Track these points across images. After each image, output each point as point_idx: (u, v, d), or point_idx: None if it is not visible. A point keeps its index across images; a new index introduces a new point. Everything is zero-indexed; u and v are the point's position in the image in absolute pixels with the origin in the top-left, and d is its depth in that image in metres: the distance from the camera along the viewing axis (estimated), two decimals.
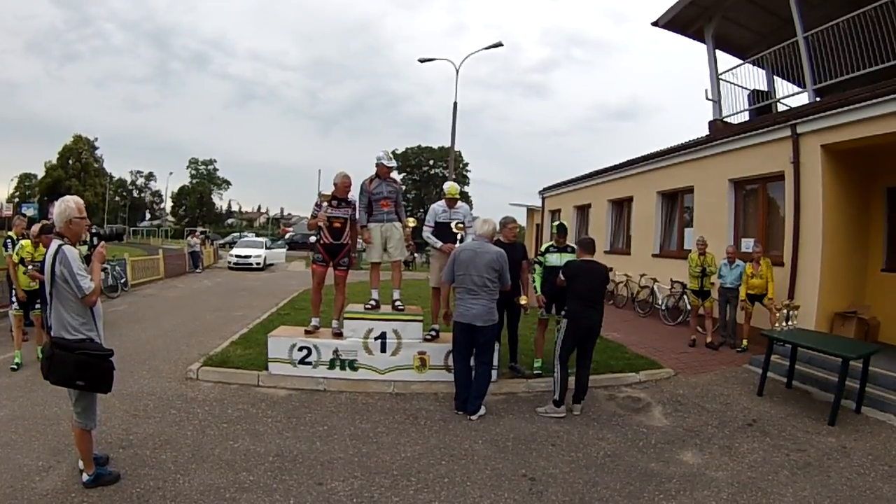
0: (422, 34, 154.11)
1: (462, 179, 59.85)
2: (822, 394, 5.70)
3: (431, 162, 63.42)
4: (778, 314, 6.37)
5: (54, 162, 55.47)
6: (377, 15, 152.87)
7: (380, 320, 5.67)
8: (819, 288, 7.21)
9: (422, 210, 46.26)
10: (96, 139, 59.17)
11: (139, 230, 58.17)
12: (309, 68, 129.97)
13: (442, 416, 4.87)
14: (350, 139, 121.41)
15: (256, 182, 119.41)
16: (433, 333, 5.89)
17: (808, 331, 6.67)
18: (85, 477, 3.30)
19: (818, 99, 8.56)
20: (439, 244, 5.75)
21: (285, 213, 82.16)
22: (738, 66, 10.71)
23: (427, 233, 5.90)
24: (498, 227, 5.50)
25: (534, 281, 6.08)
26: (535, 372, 6.01)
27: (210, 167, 70.44)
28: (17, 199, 52.04)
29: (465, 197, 53.38)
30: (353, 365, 5.65)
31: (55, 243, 3.15)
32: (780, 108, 10.12)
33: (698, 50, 11.24)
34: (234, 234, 49.23)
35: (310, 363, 5.64)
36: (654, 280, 10.83)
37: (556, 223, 6.28)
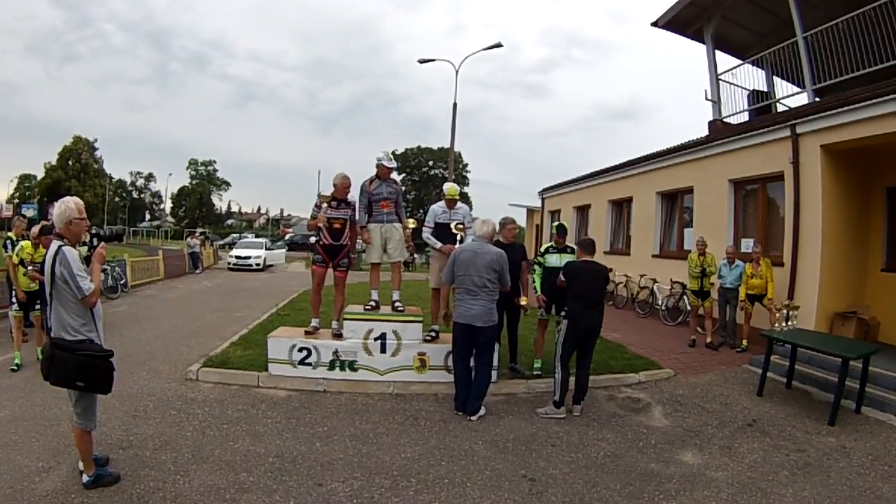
0: (421, 34, 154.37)
1: (462, 180, 59.86)
2: (822, 394, 5.70)
3: (431, 162, 63.42)
4: (778, 314, 6.37)
5: (54, 163, 55.54)
6: (377, 15, 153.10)
7: (380, 321, 5.67)
8: (819, 288, 7.22)
9: (421, 211, 46.26)
10: (96, 140, 59.32)
11: (139, 231, 58.14)
12: (308, 69, 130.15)
13: (442, 417, 4.87)
14: (350, 140, 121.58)
15: (256, 183, 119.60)
16: (433, 334, 5.89)
17: (808, 331, 6.67)
18: (85, 478, 3.29)
19: (818, 99, 8.57)
20: (439, 245, 5.75)
21: (285, 214, 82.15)
22: (737, 67, 10.72)
23: (427, 233, 5.90)
24: (497, 228, 5.50)
25: (533, 282, 6.08)
26: (535, 373, 6.01)
27: (210, 168, 70.51)
28: (16, 200, 52.07)
29: (464, 197, 53.40)
30: (352, 366, 5.65)
31: (55, 244, 3.15)
32: (780, 108, 10.13)
33: (698, 50, 11.26)
34: (234, 235, 49.26)
35: (310, 364, 5.64)
36: (654, 280, 10.83)
37: (556, 224, 6.28)
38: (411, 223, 6.00)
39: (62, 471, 3.51)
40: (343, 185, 5.59)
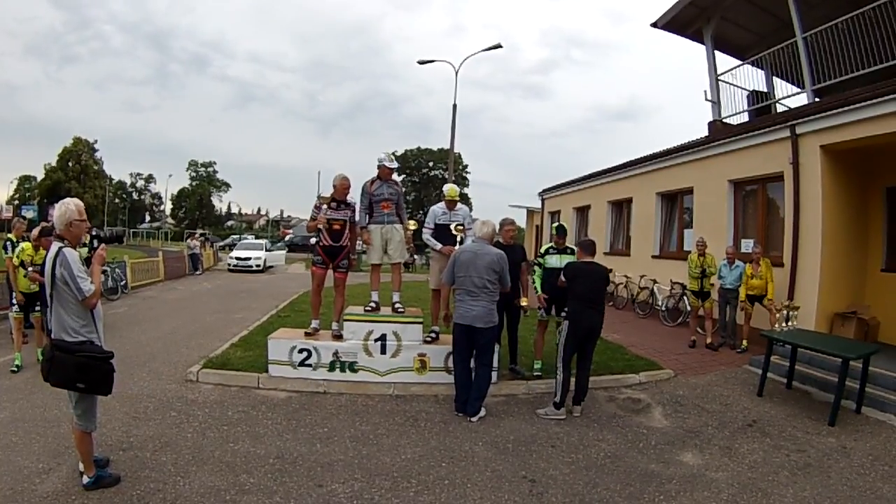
0: (421, 35, 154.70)
1: (461, 181, 59.89)
2: (822, 394, 5.70)
3: (431, 164, 63.45)
4: (778, 315, 6.37)
5: (54, 164, 55.49)
6: (376, 16, 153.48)
7: (380, 322, 5.67)
8: (819, 288, 7.22)
9: (421, 212, 46.25)
10: (96, 141, 59.19)
11: (139, 232, 58.13)
12: (308, 70, 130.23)
13: (442, 418, 4.87)
14: (349, 141, 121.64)
15: (256, 184, 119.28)
16: (433, 335, 5.88)
17: (808, 331, 6.67)
18: (85, 479, 3.29)
19: (817, 99, 8.57)
20: (439, 246, 5.75)
21: (285, 215, 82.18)
22: (737, 67, 10.73)
23: (427, 235, 5.90)
24: (497, 229, 5.50)
25: (534, 282, 6.08)
26: (535, 374, 6.01)
27: (210, 169, 70.47)
28: (16, 202, 52.14)
29: (464, 198, 53.42)
30: (353, 367, 5.65)
31: (55, 246, 3.16)
32: (780, 108, 10.14)
33: (697, 51, 11.28)
34: (234, 237, 49.20)
35: (310, 365, 5.64)
36: (654, 281, 10.83)
37: (556, 224, 6.28)
38: (412, 224, 6.00)
39: (62, 472, 3.51)
40: (342, 186, 5.59)
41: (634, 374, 6.32)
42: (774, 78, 10.38)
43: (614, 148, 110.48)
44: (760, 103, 10.17)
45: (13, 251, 6.44)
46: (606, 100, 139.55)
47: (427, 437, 4.45)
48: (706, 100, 11.00)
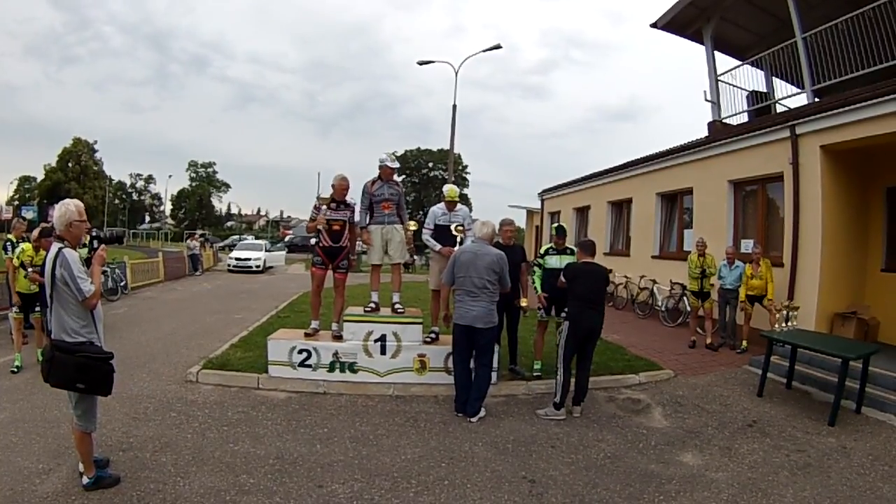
0: (420, 35, 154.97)
1: (461, 181, 59.91)
2: (822, 394, 5.70)
3: (431, 164, 63.49)
4: (777, 315, 6.37)
5: (54, 165, 55.48)
6: (376, 16, 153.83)
7: (379, 323, 5.67)
8: (818, 288, 7.22)
9: (421, 212, 46.25)
10: (96, 142, 59.16)
11: (139, 233, 58.11)
12: (308, 70, 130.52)
13: (442, 419, 4.87)
14: (349, 141, 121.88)
15: (256, 184, 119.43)
16: (433, 336, 5.88)
17: (808, 331, 6.67)
18: (85, 480, 3.29)
19: (817, 99, 8.57)
20: (438, 247, 5.75)
21: (285, 216, 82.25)
22: (736, 67, 10.73)
23: (426, 235, 5.89)
24: (497, 229, 5.50)
25: (533, 283, 6.08)
26: (535, 374, 6.01)
27: (209, 170, 70.51)
28: (16, 202, 52.18)
29: (464, 199, 53.45)
30: (352, 367, 5.65)
31: (55, 246, 3.16)
32: (779, 108, 10.13)
33: (697, 51, 11.27)
34: (234, 237, 49.20)
35: (309, 366, 5.64)
36: (654, 281, 10.83)
37: (556, 225, 6.28)
38: (412, 225, 6.00)
39: (62, 473, 3.51)
40: (341, 186, 5.60)
41: (634, 374, 6.32)
42: (774, 78, 10.38)
43: (614, 148, 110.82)
44: (760, 103, 10.17)
45: (13, 252, 6.44)
46: (606, 100, 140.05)
47: (427, 437, 4.45)
48: (706, 100, 11.01)
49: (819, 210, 7.27)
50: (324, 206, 5.56)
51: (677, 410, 5.30)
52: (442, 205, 5.91)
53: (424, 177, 63.58)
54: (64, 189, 49.60)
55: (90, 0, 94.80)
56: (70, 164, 56.08)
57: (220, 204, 73.48)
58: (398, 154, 60.14)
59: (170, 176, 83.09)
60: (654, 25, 11.39)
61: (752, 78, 10.57)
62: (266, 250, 24.16)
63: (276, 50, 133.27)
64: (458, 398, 5.00)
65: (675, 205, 11.27)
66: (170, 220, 68.65)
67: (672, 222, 11.36)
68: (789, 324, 6.20)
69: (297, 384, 5.52)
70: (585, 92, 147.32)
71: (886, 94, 6.21)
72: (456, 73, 19.14)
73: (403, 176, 60.34)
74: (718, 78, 10.86)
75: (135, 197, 70.79)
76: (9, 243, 7.02)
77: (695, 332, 8.17)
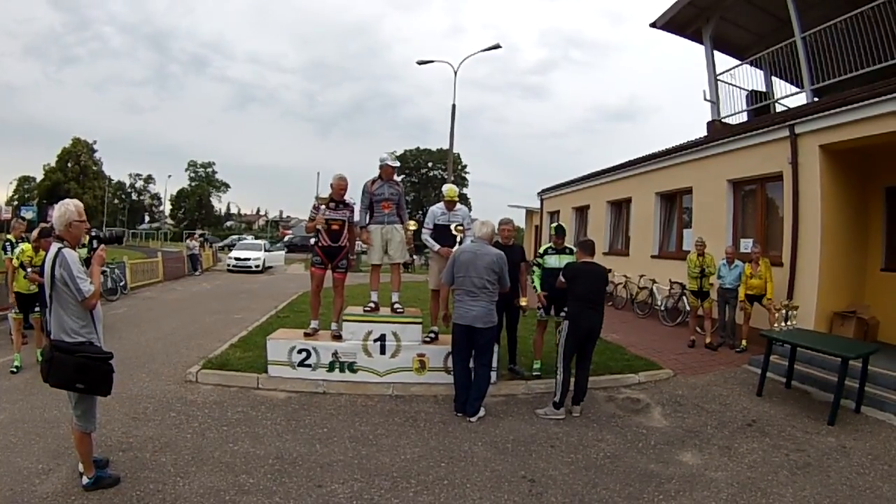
0: (420, 35, 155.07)
1: (461, 181, 59.84)
2: (822, 394, 5.70)
3: (430, 164, 63.43)
4: (777, 314, 6.38)
5: (53, 165, 55.41)
6: (375, 16, 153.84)
7: (379, 322, 5.67)
8: (818, 288, 7.22)
9: (420, 212, 46.25)
10: (95, 142, 59.04)
11: (138, 233, 58.11)
12: (307, 70, 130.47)
13: (441, 418, 4.87)
14: (349, 141, 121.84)
15: (255, 184, 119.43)
16: (432, 335, 5.89)
17: (808, 331, 6.67)
18: (85, 480, 3.29)
19: (816, 99, 8.58)
20: (437, 247, 5.75)
21: (284, 216, 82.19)
22: (736, 67, 10.75)
23: (426, 235, 5.89)
24: (497, 229, 5.50)
25: (533, 282, 6.08)
26: (535, 374, 6.01)
27: (209, 170, 70.42)
28: (16, 202, 52.09)
29: (463, 199, 53.44)
30: (352, 367, 5.65)
31: (55, 246, 3.16)
32: (779, 108, 10.14)
33: (696, 51, 11.29)
34: (233, 237, 49.16)
35: (309, 365, 5.64)
36: (653, 281, 10.84)
37: (555, 225, 6.27)
38: (412, 225, 6.00)
39: (62, 473, 3.51)
40: (339, 185, 5.60)
41: (634, 374, 6.32)
42: (773, 78, 10.40)
43: (613, 148, 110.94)
44: (759, 103, 10.18)
45: (12, 252, 6.44)
46: (605, 100, 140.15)
47: (426, 437, 4.45)
48: (705, 100, 11.02)
49: (818, 209, 7.27)
50: (323, 206, 5.56)
51: (677, 410, 5.30)
52: (441, 204, 5.91)
53: (424, 176, 63.54)
54: (63, 189, 49.52)
55: (90, 0, 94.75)
56: (69, 165, 56.01)
57: (219, 204, 73.54)
58: (398, 154, 60.15)
59: (169, 176, 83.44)
60: (653, 25, 11.40)
61: (751, 77, 10.59)
62: (265, 250, 24.15)
63: (276, 50, 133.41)
64: (457, 398, 5.00)
65: (674, 204, 11.27)
66: (169, 220, 68.58)
67: (671, 222, 11.37)
68: (789, 323, 6.20)
69: (297, 384, 5.52)
70: (585, 92, 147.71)
71: (885, 93, 6.22)
72: (455, 73, 19.15)
73: (403, 176, 60.30)
74: (718, 77, 10.87)
75: (134, 197, 70.70)
76: (8, 244, 7.01)
77: (694, 332, 8.17)
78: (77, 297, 3.09)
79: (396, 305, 5.83)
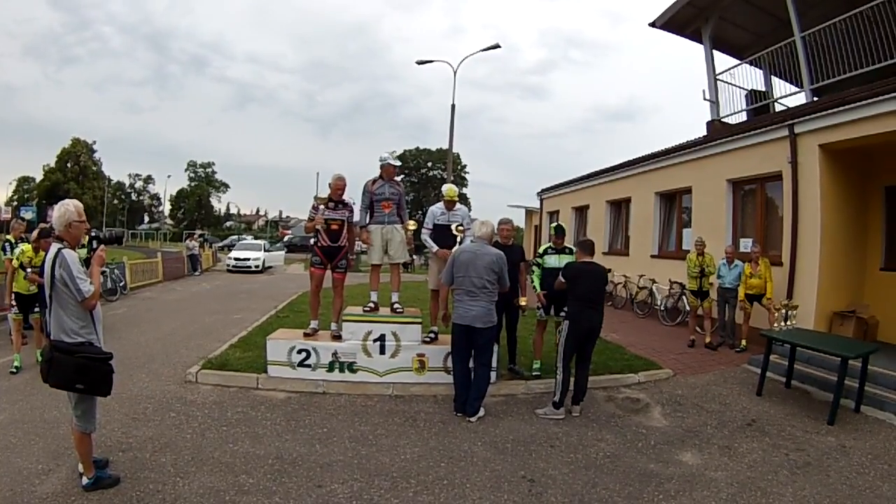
0: (419, 36, 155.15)
1: (460, 181, 59.83)
2: (822, 393, 5.70)
3: (430, 164, 63.42)
4: (777, 314, 6.38)
5: (53, 165, 55.38)
6: (375, 17, 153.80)
7: (379, 322, 5.67)
8: (817, 287, 7.23)
9: (420, 212, 46.23)
10: (94, 142, 59.04)
11: (138, 233, 58.07)
12: (307, 71, 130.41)
13: (441, 418, 4.87)
14: (348, 141, 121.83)
15: (255, 185, 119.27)
16: (432, 335, 5.89)
17: (807, 330, 6.67)
18: (84, 480, 3.29)
19: (815, 99, 8.58)
20: (435, 248, 5.75)
21: (284, 216, 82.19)
22: (735, 67, 10.74)
23: (425, 235, 5.88)
24: (496, 229, 5.50)
25: (532, 282, 6.07)
26: (534, 373, 6.01)
27: (208, 170, 70.36)
28: (15, 203, 52.03)
29: (463, 199, 53.44)
30: (352, 367, 5.65)
31: (55, 247, 3.16)
32: (778, 107, 10.14)
33: (696, 50, 11.29)
34: (233, 237, 49.16)
35: (309, 366, 5.64)
36: (653, 281, 10.84)
37: (554, 225, 6.26)
38: (412, 224, 6.00)
39: (62, 473, 3.51)
40: (337, 185, 5.59)
41: (633, 373, 6.32)
42: (773, 77, 10.38)
43: (613, 148, 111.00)
44: (759, 103, 10.17)
45: (12, 252, 6.44)
46: (605, 100, 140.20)
47: (426, 437, 4.46)
48: (704, 99, 11.02)
49: (818, 209, 7.27)
50: (321, 206, 5.56)
51: (676, 410, 5.30)
52: (441, 204, 5.91)
53: (423, 176, 63.52)
54: (63, 189, 49.49)
55: (89, 0, 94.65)
56: (69, 165, 55.99)
57: (219, 204, 73.49)
58: (397, 154, 60.07)
59: (169, 176, 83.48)
60: (652, 25, 11.40)
61: (750, 77, 10.58)
62: (265, 250, 24.17)
63: (275, 50, 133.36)
64: (457, 398, 5.00)
65: (673, 204, 11.27)
66: (169, 221, 68.56)
67: (671, 222, 11.37)
68: (788, 323, 6.20)
69: (297, 384, 5.52)
70: (584, 92, 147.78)
71: (884, 93, 6.22)
72: (455, 73, 19.12)
73: (402, 176, 60.26)
74: (717, 77, 10.86)
75: (134, 197, 70.69)
76: (8, 244, 7.01)
77: (694, 332, 8.18)
78: (77, 298, 3.09)
79: (396, 305, 5.83)
